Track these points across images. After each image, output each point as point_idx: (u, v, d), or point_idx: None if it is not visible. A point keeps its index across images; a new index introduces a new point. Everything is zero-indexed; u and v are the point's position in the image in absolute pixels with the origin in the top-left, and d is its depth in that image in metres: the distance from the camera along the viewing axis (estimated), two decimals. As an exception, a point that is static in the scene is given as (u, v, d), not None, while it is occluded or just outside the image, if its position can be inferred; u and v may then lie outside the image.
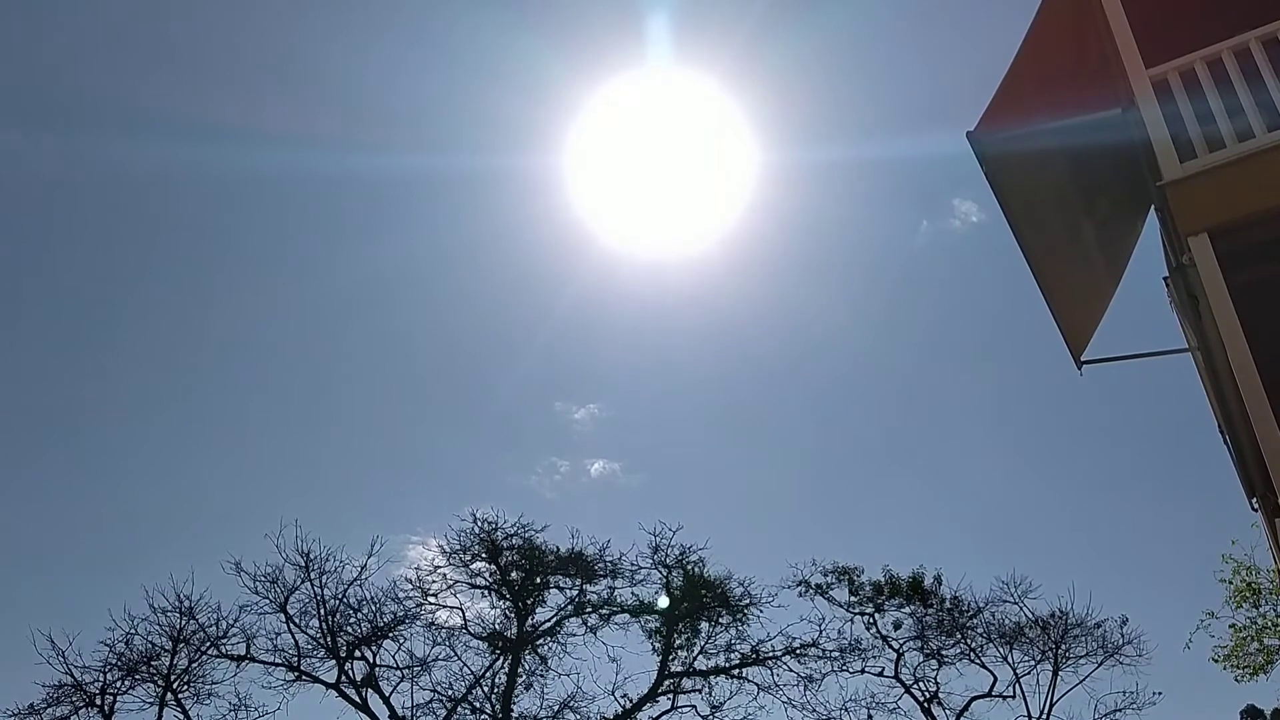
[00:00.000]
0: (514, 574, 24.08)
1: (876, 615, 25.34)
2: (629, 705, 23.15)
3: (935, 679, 24.95)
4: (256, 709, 21.22)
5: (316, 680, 21.83)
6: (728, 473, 40.17)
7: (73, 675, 20.07)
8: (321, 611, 22.03)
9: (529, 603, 23.96)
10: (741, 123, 31.33)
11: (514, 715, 22.57)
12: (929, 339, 40.68)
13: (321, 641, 22.07)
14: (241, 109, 30.22)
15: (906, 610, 25.41)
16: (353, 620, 22.47)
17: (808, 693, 23.97)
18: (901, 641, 25.18)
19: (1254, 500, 12.87)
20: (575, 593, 24.18)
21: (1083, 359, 11.99)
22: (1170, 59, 8.20)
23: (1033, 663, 24.66)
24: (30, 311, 34.32)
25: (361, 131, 30.85)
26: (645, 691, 23.34)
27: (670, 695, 23.79)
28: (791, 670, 24.06)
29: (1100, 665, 24.13)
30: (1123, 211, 12.03)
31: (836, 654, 24.41)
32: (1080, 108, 9.98)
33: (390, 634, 22.77)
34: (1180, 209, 7.60)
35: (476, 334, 39.34)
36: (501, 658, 23.39)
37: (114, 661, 20.44)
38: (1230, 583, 19.77)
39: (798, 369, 40.14)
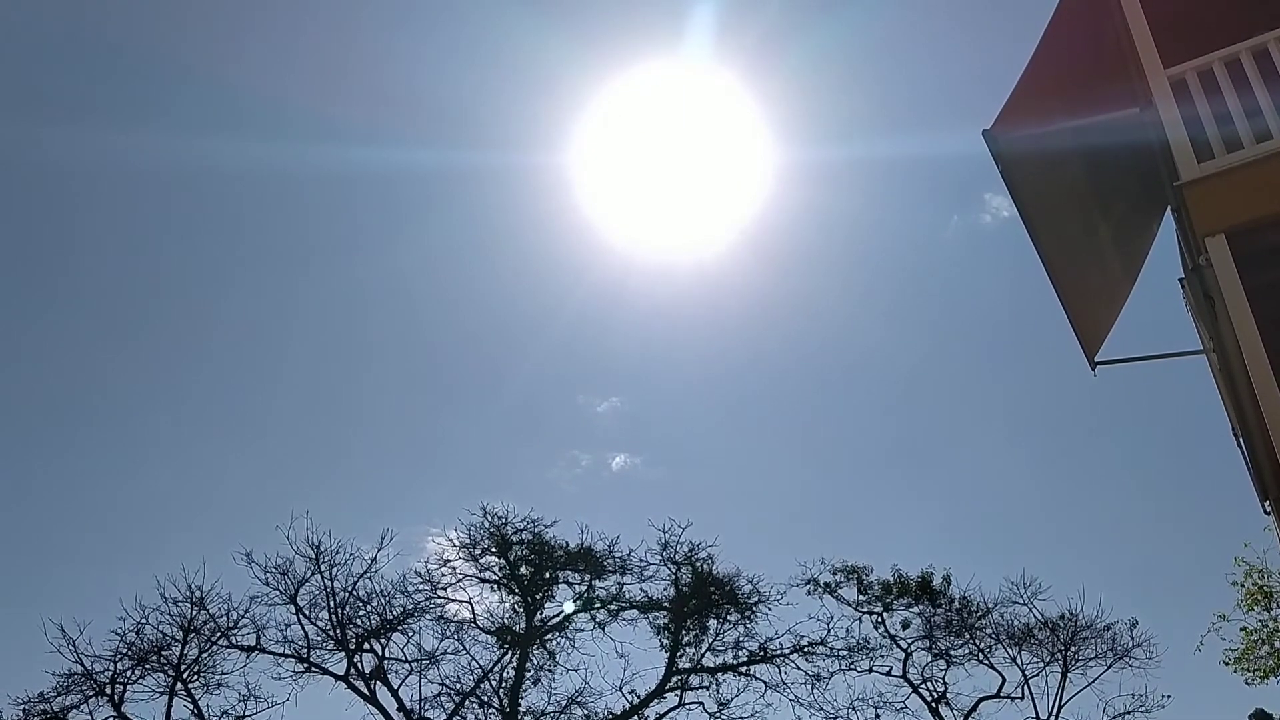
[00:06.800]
0: (523, 568, 24.14)
1: (885, 614, 25.32)
2: (636, 701, 23.18)
3: (943, 679, 24.93)
4: (266, 700, 21.37)
5: (325, 672, 21.95)
6: (745, 469, 39.96)
7: (83, 664, 20.24)
8: (331, 604, 22.15)
9: (538, 597, 24.02)
10: (763, 117, 31.23)
11: (521, 709, 22.62)
12: (947, 335, 40.37)
13: (331, 634, 22.18)
14: (261, 104, 30.40)
15: (915, 610, 25.37)
16: (362, 613, 22.60)
17: (815, 691, 23.98)
18: (910, 641, 25.17)
19: (1266, 503, 12.82)
20: (584, 588, 24.26)
21: (1097, 359, 11.95)
22: (1188, 59, 8.17)
23: (1042, 664, 24.60)
24: (47, 301, 34.56)
25: (381, 125, 30.94)
26: (653, 688, 23.38)
27: (678, 692, 23.83)
28: (799, 668, 24.08)
29: (1109, 668, 24.05)
30: (1139, 212, 11.99)
31: (844, 653, 24.40)
32: (1097, 107, 9.95)
33: (399, 627, 22.87)
34: (1197, 209, 7.56)
35: (498, 326, 39.11)
36: (510, 652, 23.46)
37: (124, 651, 20.60)
38: (1242, 585, 19.69)
39: (816, 364, 39.93)
